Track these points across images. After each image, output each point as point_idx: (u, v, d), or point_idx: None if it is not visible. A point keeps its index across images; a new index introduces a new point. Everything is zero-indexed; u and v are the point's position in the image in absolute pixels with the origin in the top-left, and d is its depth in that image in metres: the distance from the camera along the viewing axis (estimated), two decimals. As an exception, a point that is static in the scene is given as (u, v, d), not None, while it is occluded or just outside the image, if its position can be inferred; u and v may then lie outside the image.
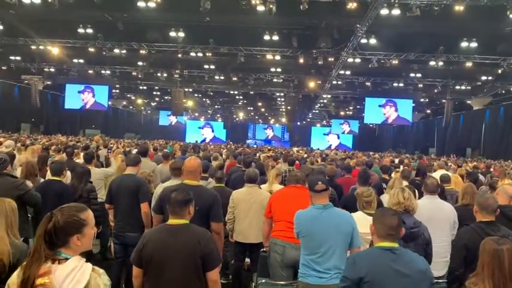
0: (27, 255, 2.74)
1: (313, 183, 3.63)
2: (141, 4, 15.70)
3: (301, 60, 22.08)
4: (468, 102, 30.97)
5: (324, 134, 46.41)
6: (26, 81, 29.62)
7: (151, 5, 15.59)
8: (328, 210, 3.58)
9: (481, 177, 8.54)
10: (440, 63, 21.04)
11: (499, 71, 22.61)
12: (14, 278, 2.15)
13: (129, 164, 5.33)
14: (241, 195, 5.25)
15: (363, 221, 3.79)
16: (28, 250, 2.85)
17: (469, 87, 27.45)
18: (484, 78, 25.30)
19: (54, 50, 23.15)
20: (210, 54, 22.83)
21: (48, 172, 5.96)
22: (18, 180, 4.64)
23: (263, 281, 3.97)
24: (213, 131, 49.64)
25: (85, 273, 2.11)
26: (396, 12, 14.99)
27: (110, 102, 33.22)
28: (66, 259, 2.13)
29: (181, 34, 19.61)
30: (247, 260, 5.46)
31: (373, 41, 18.75)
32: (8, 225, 2.82)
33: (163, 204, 3.78)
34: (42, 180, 5.69)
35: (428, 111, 39.00)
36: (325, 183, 3.63)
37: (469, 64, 21.16)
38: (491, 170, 11.82)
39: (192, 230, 3.06)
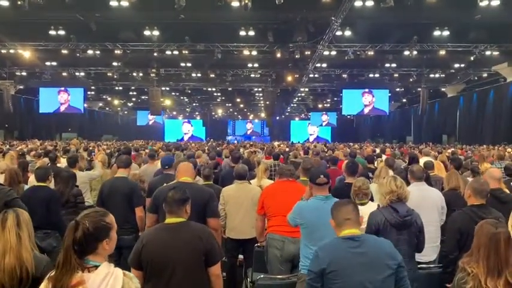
0: (50, 267, 2.70)
1: (314, 176, 3.67)
2: (113, 3, 15.43)
3: (278, 55, 22.11)
4: (442, 89, 31.64)
5: (309, 124, 46.46)
6: (-3, 86, 28.85)
7: (124, 3, 15.34)
8: (330, 201, 3.61)
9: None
10: (415, 53, 21.40)
11: (471, 58, 23.14)
12: None
13: (121, 166, 5.26)
14: (232, 191, 5.25)
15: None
16: (50, 261, 2.80)
17: (443, 75, 28.02)
18: (457, 65, 25.87)
19: (26, 54, 22.57)
20: (186, 52, 22.62)
21: (31, 178, 5.84)
22: (5, 187, 4.52)
23: (261, 276, 3.97)
24: (192, 126, 49.25)
25: (118, 279, 2.12)
26: (370, 3, 15.15)
27: (85, 105, 32.67)
28: (96, 266, 2.13)
29: (156, 32, 19.37)
30: (241, 256, 5.46)
31: (348, 33, 18.90)
32: (30, 235, 2.77)
33: (159, 203, 3.80)
34: (26, 186, 5.56)
35: (404, 100, 39.65)
36: (327, 177, 3.67)
37: (442, 52, 21.57)
38: (471, 155, 12.13)
39: (192, 227, 3.05)
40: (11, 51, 22.19)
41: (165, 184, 4.64)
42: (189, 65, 26.41)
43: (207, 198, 4.07)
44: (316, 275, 2.67)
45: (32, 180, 5.51)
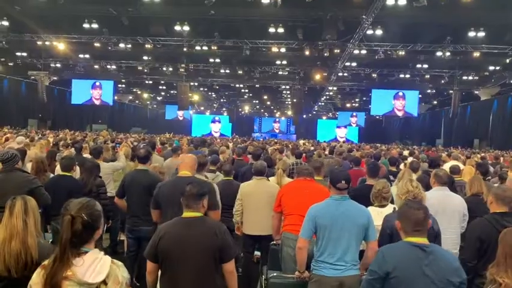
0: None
1: (335, 180, 3.60)
2: (145, -2, 15.69)
3: (307, 53, 21.97)
4: (476, 92, 30.72)
5: (337, 127, 46.05)
6: (33, 77, 29.77)
7: (156, -1, 15.57)
8: (345, 202, 3.58)
9: (490, 168, 8.48)
10: (448, 54, 20.89)
11: (507, 61, 22.42)
12: (36, 279, 2.18)
13: (140, 161, 5.32)
14: (250, 187, 5.26)
15: (375, 214, 3.81)
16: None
17: (477, 78, 27.25)
18: (491, 68, 25.11)
19: (60, 46, 23.19)
20: (215, 48, 22.78)
21: (58, 167, 5.99)
22: (30, 175, 4.67)
23: (274, 274, 3.97)
24: (220, 124, 49.43)
25: (105, 265, 2.17)
26: (402, 2, 14.87)
27: (115, 97, 33.32)
28: (85, 252, 2.19)
29: (186, 28, 19.56)
30: (257, 252, 5.46)
31: (379, 32, 18.58)
32: (36, 222, 2.87)
33: (159, 199, 4.12)
34: (51, 175, 5.72)
35: (435, 102, 38.76)
36: (348, 183, 3.60)
37: (476, 54, 20.98)
38: (501, 160, 11.73)
39: (208, 222, 3.07)
40: (46, 43, 22.83)
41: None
42: (217, 60, 26.57)
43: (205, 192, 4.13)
44: (378, 276, 2.65)
45: (59, 170, 5.66)
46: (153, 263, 3.04)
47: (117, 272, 2.20)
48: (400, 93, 27.95)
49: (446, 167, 6.85)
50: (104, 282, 2.14)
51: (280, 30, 19.00)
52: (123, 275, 2.23)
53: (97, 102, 30.40)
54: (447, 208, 4.44)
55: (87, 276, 2.11)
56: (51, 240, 5.10)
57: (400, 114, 29.11)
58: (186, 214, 3.07)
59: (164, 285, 3.04)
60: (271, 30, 19.05)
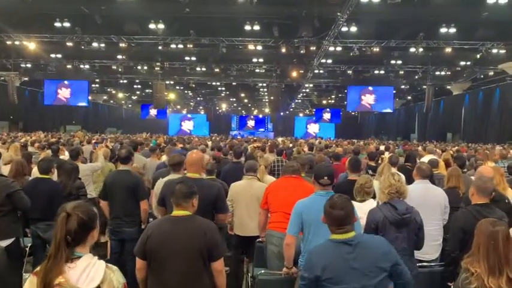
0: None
1: (319, 176, 3.65)
2: (119, -4, 15.44)
3: (283, 50, 22.03)
4: (448, 87, 31.46)
5: (308, 123, 46.48)
6: (2, 78, 28.92)
7: (130, -4, 15.34)
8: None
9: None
10: (421, 50, 21.29)
11: (478, 56, 23.03)
12: (28, 286, 2.10)
13: (122, 161, 5.23)
14: (240, 188, 5.20)
15: (358, 209, 3.83)
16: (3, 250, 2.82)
17: (449, 73, 27.90)
18: (463, 63, 25.73)
19: (31, 45, 22.61)
20: (191, 46, 22.60)
21: (34, 170, 5.85)
22: (8, 179, 4.54)
23: (262, 271, 3.97)
24: (193, 124, 49.16)
25: (99, 270, 2.10)
26: (377, -1, 15.07)
27: (89, 97, 32.71)
28: (79, 257, 2.11)
29: (161, 26, 19.36)
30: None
31: (353, 29, 18.83)
32: None
33: (166, 198, 3.89)
34: (29, 178, 5.58)
35: (409, 97, 39.49)
36: (331, 179, 3.65)
37: (448, 50, 21.45)
38: (475, 153, 12.05)
39: (197, 221, 3.05)
40: (16, 42, 22.25)
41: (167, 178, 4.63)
42: (193, 59, 26.40)
43: (215, 193, 4.07)
44: (310, 281, 2.60)
45: (35, 172, 5.52)
46: (142, 260, 3.03)
47: (112, 277, 2.13)
48: (370, 88, 28.44)
49: (424, 160, 6.97)
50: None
51: (256, 27, 18.99)
52: (118, 279, 2.16)
53: (67, 102, 29.73)
54: (429, 200, 4.52)
55: (81, 283, 2.04)
56: (30, 245, 4.98)
57: (371, 108, 29.71)
58: (176, 213, 3.06)
59: (152, 283, 3.01)
60: (247, 27, 19.02)
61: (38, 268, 2.12)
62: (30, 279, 2.13)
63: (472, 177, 5.70)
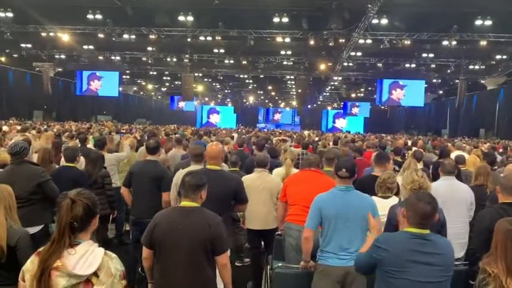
0: (26, 239, 2.88)
1: (337, 168, 3.62)
2: (149, -12, 15.60)
3: (312, 42, 21.79)
4: (482, 82, 30.45)
5: (336, 117, 45.98)
6: (37, 69, 29.78)
7: (160, -11, 15.48)
8: (350, 192, 3.57)
9: (498, 157, 8.42)
10: (454, 43, 20.61)
11: (514, 50, 22.15)
12: (29, 265, 2.15)
13: (150, 152, 5.25)
14: (251, 181, 5.16)
15: (379, 204, 3.77)
16: (28, 234, 2.94)
17: (483, 67, 26.98)
18: (498, 57, 24.81)
19: (64, 37, 23.16)
20: (219, 38, 22.64)
21: (62, 158, 6.01)
22: (39, 168, 4.66)
23: (279, 264, 3.96)
24: (220, 117, 49.36)
25: (97, 257, 2.12)
26: (408, -10, 14.71)
27: (120, 88, 33.32)
28: (78, 244, 2.14)
29: (190, 18, 19.48)
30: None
31: (384, 21, 18.43)
32: (6, 210, 2.91)
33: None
34: (56, 166, 5.73)
35: (441, 92, 38.48)
36: (350, 170, 3.59)
37: (483, 43, 20.72)
38: (508, 150, 11.64)
39: (203, 213, 3.06)
40: (51, 34, 22.82)
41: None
42: (222, 51, 26.44)
43: (235, 185, 4.15)
44: (373, 261, 2.70)
45: (63, 161, 5.66)
46: (148, 249, 3.07)
47: (110, 264, 2.15)
48: (400, 82, 27.75)
49: (452, 156, 6.80)
50: (96, 274, 2.10)
51: (285, 19, 18.83)
52: (116, 267, 2.17)
53: (98, 93, 30.33)
54: (455, 197, 4.42)
55: (78, 269, 2.07)
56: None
57: (401, 103, 29.06)
58: (184, 203, 3.08)
59: (157, 272, 3.05)
60: (276, 19, 18.90)
61: (41, 249, 2.17)
62: (31, 259, 2.18)
63: (502, 175, 5.52)
